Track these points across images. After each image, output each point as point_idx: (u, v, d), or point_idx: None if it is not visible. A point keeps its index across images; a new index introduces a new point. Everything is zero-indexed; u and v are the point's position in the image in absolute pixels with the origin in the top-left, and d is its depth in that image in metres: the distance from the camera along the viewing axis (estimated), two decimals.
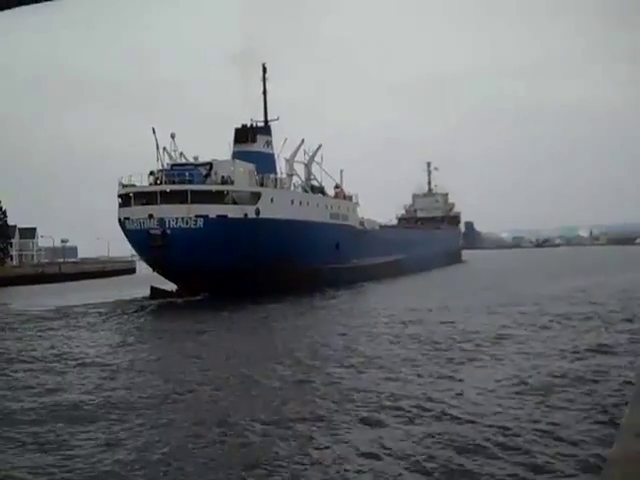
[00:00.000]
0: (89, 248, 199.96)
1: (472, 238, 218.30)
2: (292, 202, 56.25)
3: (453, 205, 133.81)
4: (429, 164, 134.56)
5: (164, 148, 54.30)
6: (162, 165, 52.59)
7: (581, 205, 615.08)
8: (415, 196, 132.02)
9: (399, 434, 12.87)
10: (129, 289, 60.98)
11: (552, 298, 39.84)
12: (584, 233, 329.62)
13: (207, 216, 47.91)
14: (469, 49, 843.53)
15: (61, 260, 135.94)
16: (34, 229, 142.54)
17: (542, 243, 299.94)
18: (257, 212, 50.20)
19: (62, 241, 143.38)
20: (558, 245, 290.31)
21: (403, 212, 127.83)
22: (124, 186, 51.66)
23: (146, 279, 79.83)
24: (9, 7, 11.50)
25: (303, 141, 62.97)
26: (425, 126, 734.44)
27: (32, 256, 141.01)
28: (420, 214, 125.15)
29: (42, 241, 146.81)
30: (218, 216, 48.26)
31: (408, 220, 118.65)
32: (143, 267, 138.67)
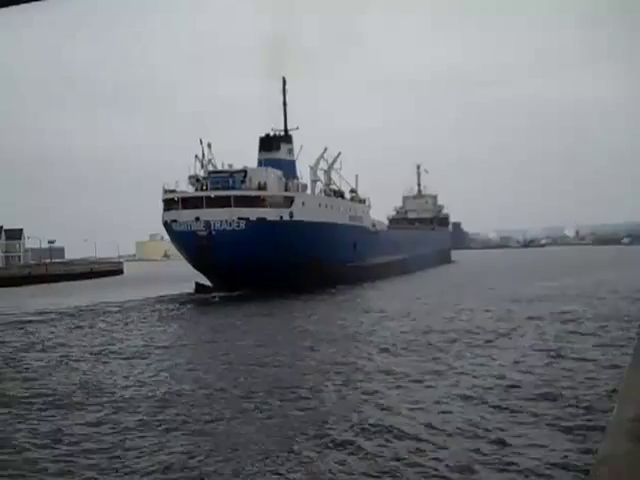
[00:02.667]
0: (76, 249, 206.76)
1: (460, 238, 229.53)
2: (319, 205, 65.11)
3: (442, 207, 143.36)
4: (419, 166, 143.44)
5: (196, 156, 63.39)
6: (203, 172, 61.40)
7: (567, 205, 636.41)
8: (405, 198, 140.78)
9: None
10: (145, 289, 67.44)
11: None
12: (570, 233, 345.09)
13: (248, 218, 56.30)
14: (461, 51, 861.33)
15: (48, 261, 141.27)
16: (21, 230, 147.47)
17: (529, 243, 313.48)
18: (291, 215, 58.75)
19: (49, 242, 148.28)
20: (544, 245, 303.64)
21: (394, 213, 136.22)
22: (169, 191, 60.18)
23: (138, 279, 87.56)
24: (6, 5, 12.25)
25: (326, 149, 71.46)
26: (413, 128, 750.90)
27: (19, 257, 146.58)
28: (410, 215, 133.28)
29: (29, 242, 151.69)
30: (258, 218, 56.67)
31: (399, 221, 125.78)
32: (130, 268, 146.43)
